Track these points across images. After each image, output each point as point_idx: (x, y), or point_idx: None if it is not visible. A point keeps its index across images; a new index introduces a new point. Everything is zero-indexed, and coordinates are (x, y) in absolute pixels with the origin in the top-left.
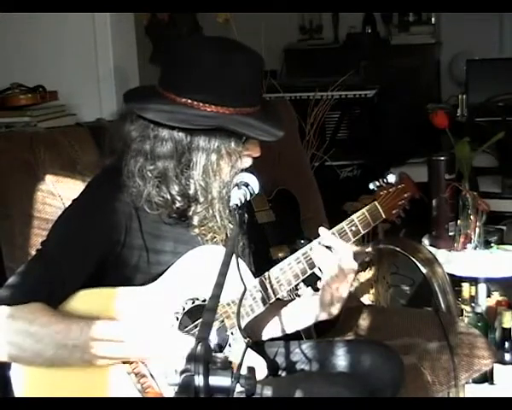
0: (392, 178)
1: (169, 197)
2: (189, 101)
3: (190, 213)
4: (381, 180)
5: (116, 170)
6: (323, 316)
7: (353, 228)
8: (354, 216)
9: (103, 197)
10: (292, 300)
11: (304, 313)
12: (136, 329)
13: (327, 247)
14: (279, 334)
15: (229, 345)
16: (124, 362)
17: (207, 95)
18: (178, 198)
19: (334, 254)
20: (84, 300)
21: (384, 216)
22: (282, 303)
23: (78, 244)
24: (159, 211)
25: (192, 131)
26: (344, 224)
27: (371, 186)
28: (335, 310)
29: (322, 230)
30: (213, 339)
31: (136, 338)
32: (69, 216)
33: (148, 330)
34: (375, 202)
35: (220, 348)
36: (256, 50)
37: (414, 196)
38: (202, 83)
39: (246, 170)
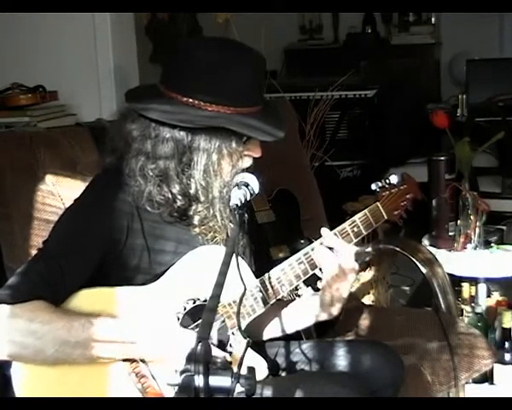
0: (394, 179)
1: (170, 196)
2: (191, 100)
3: (191, 213)
4: (383, 181)
5: (117, 169)
6: (324, 316)
7: (355, 229)
8: (356, 217)
9: (105, 197)
10: (292, 300)
11: (304, 313)
12: (138, 328)
13: (328, 247)
14: (279, 334)
15: (231, 345)
16: (124, 360)
17: (209, 94)
18: (179, 197)
19: (335, 255)
20: (85, 299)
21: (386, 217)
22: (282, 303)
23: (79, 243)
24: (160, 210)
25: (193, 131)
26: (346, 225)
27: (373, 187)
28: (336, 310)
29: (324, 230)
30: (215, 339)
31: (137, 338)
32: (70, 215)
33: (149, 331)
34: (377, 203)
35: (224, 347)
36: (257, 50)
37: (416, 196)
38: (204, 82)
39: (246, 170)
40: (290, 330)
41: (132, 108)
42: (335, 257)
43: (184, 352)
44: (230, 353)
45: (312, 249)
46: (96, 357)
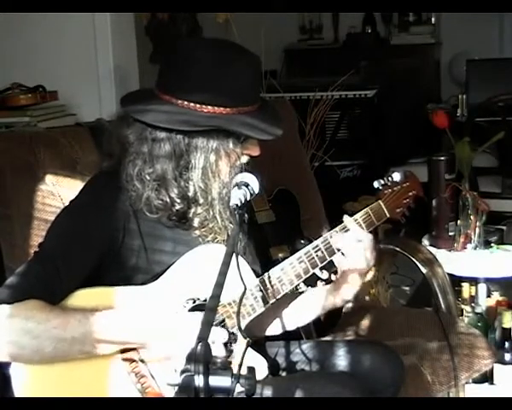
0: (397, 177)
1: (168, 200)
2: (186, 102)
3: (190, 215)
4: (385, 178)
5: (113, 172)
6: (338, 303)
7: None
8: (358, 215)
9: (102, 197)
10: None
11: (319, 300)
12: (137, 316)
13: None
14: (293, 325)
15: (231, 345)
16: (124, 360)
17: (204, 96)
18: (178, 200)
19: (356, 239)
20: (82, 300)
21: (388, 215)
22: (288, 299)
23: (75, 244)
24: (158, 214)
25: (190, 133)
26: None
27: (376, 185)
28: (350, 295)
29: (346, 217)
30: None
31: (136, 322)
32: (66, 216)
33: (149, 317)
34: (380, 201)
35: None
36: (252, 50)
37: (419, 194)
38: (198, 84)
39: (245, 169)
40: (300, 321)
41: (128, 113)
42: (357, 241)
43: (189, 334)
44: (230, 351)
45: (314, 248)
46: (95, 351)
